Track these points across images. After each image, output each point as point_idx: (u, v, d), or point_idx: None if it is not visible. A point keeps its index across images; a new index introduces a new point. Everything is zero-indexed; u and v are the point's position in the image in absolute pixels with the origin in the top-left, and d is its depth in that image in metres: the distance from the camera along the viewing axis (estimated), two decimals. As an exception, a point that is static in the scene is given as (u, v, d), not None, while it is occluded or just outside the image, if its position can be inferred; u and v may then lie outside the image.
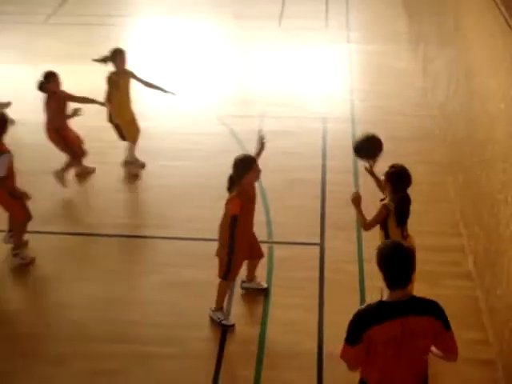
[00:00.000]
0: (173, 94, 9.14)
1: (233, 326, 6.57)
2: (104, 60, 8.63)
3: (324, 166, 8.99)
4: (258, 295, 6.93)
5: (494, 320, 6.21)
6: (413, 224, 6.95)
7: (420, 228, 7.63)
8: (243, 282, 7.05)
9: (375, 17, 13.86)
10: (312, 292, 6.95)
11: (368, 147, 6.63)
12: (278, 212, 8.12)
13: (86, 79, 10.89)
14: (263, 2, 14.66)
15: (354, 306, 6.60)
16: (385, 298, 4.21)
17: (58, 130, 8.54)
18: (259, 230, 7.70)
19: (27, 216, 7.40)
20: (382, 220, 5.97)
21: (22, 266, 7.40)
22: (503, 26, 6.29)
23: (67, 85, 9.94)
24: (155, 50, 12.66)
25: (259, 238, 6.86)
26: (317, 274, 7.19)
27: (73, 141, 8.71)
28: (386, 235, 5.99)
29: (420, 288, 6.80)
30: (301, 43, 12.64)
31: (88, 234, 7.97)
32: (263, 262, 7.16)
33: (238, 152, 9.09)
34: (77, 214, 8.45)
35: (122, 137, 9.01)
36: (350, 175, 8.77)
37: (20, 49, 12.59)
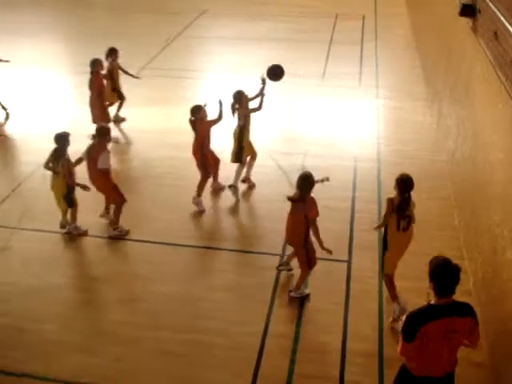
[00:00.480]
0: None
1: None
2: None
3: (353, 197, 8.96)
4: (294, 301, 6.93)
5: (488, 331, 6.08)
6: (422, 247, 6.91)
7: (428, 251, 7.51)
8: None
9: (399, 78, 13.81)
10: (339, 300, 6.91)
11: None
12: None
13: (172, 118, 11.13)
14: (309, 63, 14.73)
15: (373, 312, 6.65)
16: (432, 302, 4.35)
17: (204, 151, 8.70)
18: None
19: (123, 200, 8.12)
20: (389, 212, 6.29)
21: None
22: (504, 94, 6.25)
23: (158, 123, 10.13)
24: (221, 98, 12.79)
25: None
26: (344, 285, 7.15)
27: (210, 161, 8.82)
28: (385, 227, 6.44)
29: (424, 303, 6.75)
30: (338, 97, 12.67)
31: (167, 244, 8.04)
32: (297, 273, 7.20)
33: (283, 182, 9.26)
34: (156, 226, 8.52)
35: (239, 159, 9.00)
36: (375, 204, 8.73)
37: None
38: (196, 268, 7.55)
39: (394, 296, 6.67)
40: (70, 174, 7.90)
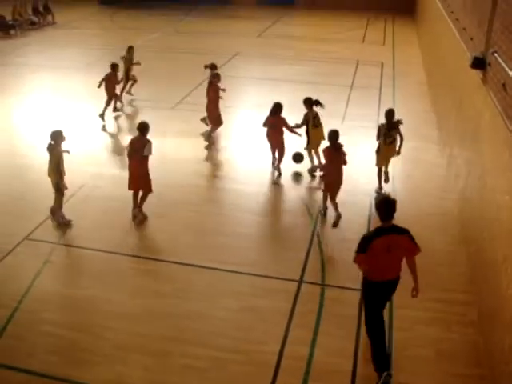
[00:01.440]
0: None
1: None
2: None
3: (369, 230, 8.96)
4: (309, 324, 6.94)
5: (489, 360, 6.04)
6: (429, 280, 6.89)
7: (436, 284, 7.59)
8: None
9: (414, 121, 13.85)
10: (352, 326, 6.91)
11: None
12: (331, 262, 8.14)
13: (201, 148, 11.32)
14: (331, 105, 14.81)
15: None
16: (377, 226, 5.86)
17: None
18: (315, 275, 7.80)
19: (151, 189, 9.18)
20: (381, 132, 10.16)
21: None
22: (510, 142, 6.30)
23: (188, 153, 10.26)
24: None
25: (316, 281, 6.97)
26: (356, 312, 7.15)
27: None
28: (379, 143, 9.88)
29: (432, 331, 6.75)
30: (357, 136, 12.76)
31: (191, 265, 8.15)
32: (315, 298, 7.22)
33: (304, 213, 9.33)
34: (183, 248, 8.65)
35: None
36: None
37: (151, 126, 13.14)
38: (217, 289, 7.62)
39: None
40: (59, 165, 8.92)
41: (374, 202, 9.72)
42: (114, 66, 13.71)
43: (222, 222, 9.28)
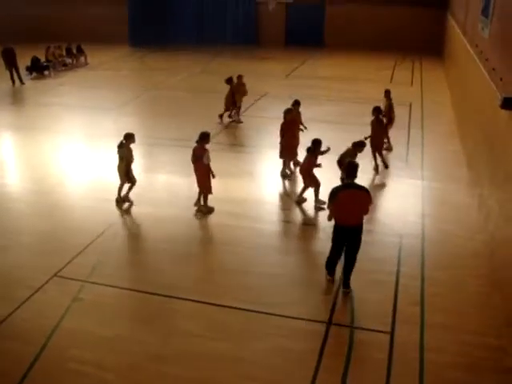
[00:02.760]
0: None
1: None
2: None
3: (398, 272, 8.93)
4: (338, 367, 6.87)
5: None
6: (459, 324, 6.78)
7: (465, 327, 7.48)
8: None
9: (443, 162, 13.87)
10: (380, 371, 6.81)
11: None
12: (360, 303, 8.09)
13: (231, 188, 11.42)
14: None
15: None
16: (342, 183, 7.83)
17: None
18: (344, 316, 7.75)
19: (210, 191, 10.78)
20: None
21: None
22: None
23: (219, 193, 10.37)
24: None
25: (345, 323, 7.05)
26: (386, 356, 7.06)
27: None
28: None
29: (463, 377, 6.62)
30: (386, 177, 12.77)
31: (220, 305, 8.18)
32: (344, 340, 7.17)
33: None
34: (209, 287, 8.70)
35: None
36: (418, 281, 8.68)
37: (174, 164, 13.43)
38: (245, 330, 7.61)
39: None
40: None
41: (403, 243, 9.76)
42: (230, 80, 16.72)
43: (249, 262, 9.33)
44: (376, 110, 13.39)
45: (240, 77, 17.09)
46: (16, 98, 21.24)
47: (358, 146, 11.34)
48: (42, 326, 7.59)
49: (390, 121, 14.72)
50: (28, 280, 8.67)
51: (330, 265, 8.56)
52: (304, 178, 11.19)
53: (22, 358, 7.00)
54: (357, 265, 8.30)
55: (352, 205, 7.74)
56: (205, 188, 10.79)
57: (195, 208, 10.99)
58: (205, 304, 8.16)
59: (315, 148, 10.95)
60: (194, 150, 10.57)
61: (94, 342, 7.34)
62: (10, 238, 10.05)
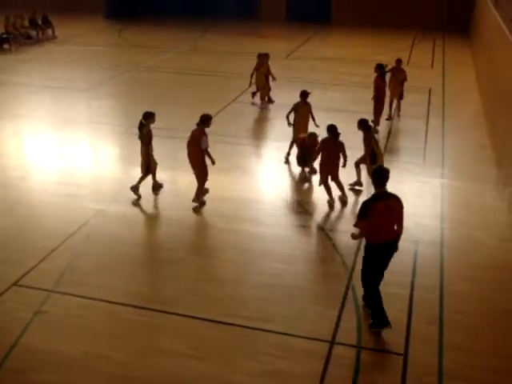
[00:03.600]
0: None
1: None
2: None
3: (413, 284, 8.94)
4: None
5: None
6: (489, 345, 6.81)
7: (494, 350, 7.51)
8: None
9: (467, 158, 13.89)
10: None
11: None
12: (366, 320, 8.09)
13: (223, 187, 11.43)
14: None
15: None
16: (374, 192, 7.58)
17: None
18: (350, 335, 7.76)
19: (206, 177, 11.04)
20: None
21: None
22: None
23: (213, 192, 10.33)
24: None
25: (351, 343, 7.10)
26: (399, 380, 7.07)
27: None
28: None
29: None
30: (400, 174, 12.77)
31: (209, 320, 8.19)
32: (350, 362, 7.18)
33: (337, 262, 9.34)
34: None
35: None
36: (436, 295, 8.69)
37: (156, 156, 13.31)
38: (237, 349, 7.61)
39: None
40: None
41: (419, 250, 9.78)
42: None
43: (243, 271, 9.34)
44: (378, 67, 15.18)
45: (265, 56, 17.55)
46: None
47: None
48: (-3, 344, 7.57)
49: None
50: (-18, 289, 8.64)
51: (379, 302, 7.86)
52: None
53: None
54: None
55: (388, 216, 7.56)
56: (200, 175, 11.04)
57: (194, 205, 11.12)
58: (190, 318, 8.15)
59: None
60: (193, 132, 10.97)
61: (58, 362, 7.29)
62: (-40, 240, 10.03)
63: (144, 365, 7.28)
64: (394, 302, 8.42)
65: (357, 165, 12.04)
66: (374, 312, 7.82)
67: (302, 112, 13.53)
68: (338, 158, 11.33)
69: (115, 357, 7.41)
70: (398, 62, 16.52)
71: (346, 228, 10.47)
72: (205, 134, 10.87)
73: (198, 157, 10.94)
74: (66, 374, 7.12)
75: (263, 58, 17.31)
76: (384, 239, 7.61)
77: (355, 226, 7.80)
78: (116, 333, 7.87)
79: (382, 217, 7.45)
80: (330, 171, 11.34)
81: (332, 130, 11.22)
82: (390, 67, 15.92)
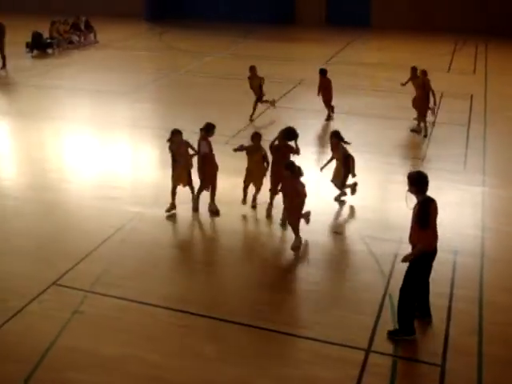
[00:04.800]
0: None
1: None
2: None
3: (451, 294, 8.81)
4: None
5: None
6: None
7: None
8: None
9: (509, 166, 13.64)
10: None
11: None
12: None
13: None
14: (407, 143, 14.88)
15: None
16: (420, 199, 7.43)
17: None
18: (386, 344, 7.67)
19: (206, 186, 11.03)
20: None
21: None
22: None
23: (236, 194, 10.37)
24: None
25: (387, 352, 6.88)
26: (435, 391, 7.00)
27: None
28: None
29: None
30: (439, 181, 12.57)
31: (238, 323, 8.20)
32: (385, 371, 7.11)
33: (374, 270, 9.26)
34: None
35: None
36: (475, 306, 8.54)
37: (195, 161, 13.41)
38: (270, 354, 7.59)
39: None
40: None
41: (458, 260, 9.62)
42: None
43: (279, 276, 9.35)
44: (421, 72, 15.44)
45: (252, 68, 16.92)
46: (13, 79, 21.61)
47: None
48: (35, 342, 7.67)
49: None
50: (22, 288, 8.79)
51: (412, 318, 7.84)
52: None
53: (10, 379, 7.07)
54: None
55: (436, 221, 7.51)
56: (202, 180, 11.03)
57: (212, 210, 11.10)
58: (225, 322, 8.17)
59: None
60: (198, 141, 10.97)
61: (94, 362, 7.38)
62: (3, 240, 10.22)
63: (177, 367, 7.32)
64: (432, 312, 8.30)
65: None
66: (406, 320, 7.71)
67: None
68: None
69: (149, 358, 7.46)
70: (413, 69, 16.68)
71: (382, 235, 10.40)
72: (206, 139, 10.83)
73: (199, 162, 10.95)
74: (100, 374, 7.20)
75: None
76: (435, 245, 7.57)
77: (420, 241, 7.46)
78: (151, 335, 7.92)
79: (434, 222, 7.44)
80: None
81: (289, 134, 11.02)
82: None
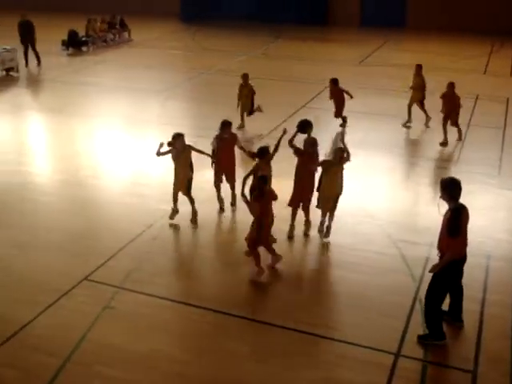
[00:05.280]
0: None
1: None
2: None
3: (483, 299, 8.70)
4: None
5: None
6: None
7: None
8: None
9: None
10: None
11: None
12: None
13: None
14: (442, 149, 14.70)
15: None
16: (451, 206, 7.25)
17: None
18: (416, 348, 7.60)
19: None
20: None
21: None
22: None
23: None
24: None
25: (417, 356, 7.03)
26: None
27: None
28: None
29: None
30: (473, 184, 12.44)
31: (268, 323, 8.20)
32: (415, 376, 7.04)
33: (404, 273, 9.18)
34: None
35: None
36: (508, 311, 8.42)
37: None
38: (299, 354, 7.58)
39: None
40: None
41: (491, 265, 9.49)
42: None
43: (308, 277, 9.36)
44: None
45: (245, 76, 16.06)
46: (48, 76, 21.89)
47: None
48: (66, 336, 7.78)
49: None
50: (54, 283, 8.92)
51: (440, 323, 7.77)
52: None
53: (41, 371, 7.18)
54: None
55: (466, 228, 7.41)
56: (217, 175, 11.17)
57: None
58: (254, 321, 8.19)
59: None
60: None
61: (124, 358, 7.46)
62: (36, 235, 10.38)
63: (205, 365, 7.36)
64: (464, 316, 8.19)
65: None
66: (434, 325, 7.63)
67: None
68: None
69: (178, 355, 7.52)
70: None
71: (413, 239, 10.31)
72: (218, 136, 10.97)
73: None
74: (129, 369, 7.27)
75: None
76: (464, 253, 7.44)
77: (451, 250, 7.34)
78: (181, 332, 7.99)
79: (465, 230, 7.30)
80: None
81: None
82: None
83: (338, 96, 16.00)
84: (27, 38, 22.41)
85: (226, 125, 11.00)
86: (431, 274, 7.60)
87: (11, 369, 7.22)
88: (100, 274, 9.15)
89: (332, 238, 10.27)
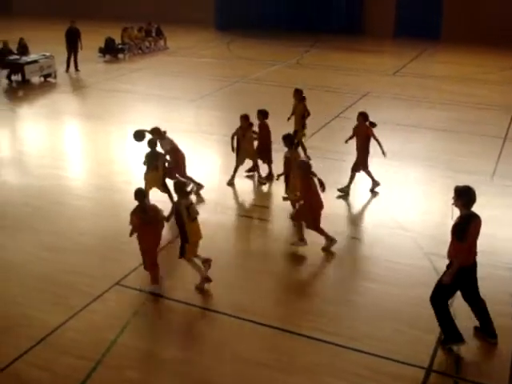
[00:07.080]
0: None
1: None
2: None
3: (516, 312, 8.52)
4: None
5: None
6: None
7: None
8: None
9: None
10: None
11: None
12: (470, 349, 7.77)
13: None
14: (476, 159, 14.48)
15: None
16: (463, 213, 7.34)
17: None
18: (448, 364, 7.46)
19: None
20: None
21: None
22: None
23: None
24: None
25: (449, 372, 6.97)
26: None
27: None
28: None
29: None
30: (508, 199, 12.22)
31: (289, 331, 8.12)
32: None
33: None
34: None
35: None
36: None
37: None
38: (325, 366, 7.50)
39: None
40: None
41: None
42: None
43: (333, 287, 9.32)
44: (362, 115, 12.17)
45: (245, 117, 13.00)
46: (84, 82, 22.17)
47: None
48: (97, 340, 7.82)
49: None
50: (86, 286, 8.99)
51: (450, 316, 7.74)
52: None
53: (72, 375, 7.22)
54: (463, 304, 8.00)
55: (477, 237, 7.44)
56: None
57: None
58: (278, 330, 8.15)
59: None
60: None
61: (151, 363, 7.48)
62: (69, 239, 10.46)
63: (227, 372, 7.34)
64: (498, 332, 8.02)
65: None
66: (447, 328, 7.63)
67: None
68: None
69: (201, 361, 7.50)
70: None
71: (446, 252, 10.13)
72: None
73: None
74: (158, 375, 7.28)
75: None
76: (474, 260, 7.51)
77: (454, 255, 7.45)
78: (208, 339, 7.96)
79: (473, 239, 7.35)
80: None
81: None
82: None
83: (363, 138, 12.20)
84: (73, 44, 22.91)
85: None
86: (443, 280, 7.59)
87: (41, 371, 7.29)
88: (132, 279, 9.19)
89: (364, 250, 10.17)
